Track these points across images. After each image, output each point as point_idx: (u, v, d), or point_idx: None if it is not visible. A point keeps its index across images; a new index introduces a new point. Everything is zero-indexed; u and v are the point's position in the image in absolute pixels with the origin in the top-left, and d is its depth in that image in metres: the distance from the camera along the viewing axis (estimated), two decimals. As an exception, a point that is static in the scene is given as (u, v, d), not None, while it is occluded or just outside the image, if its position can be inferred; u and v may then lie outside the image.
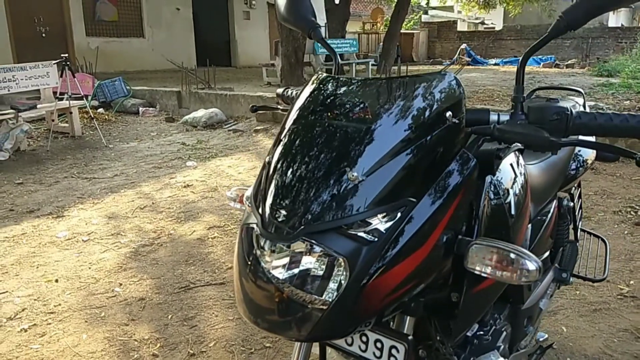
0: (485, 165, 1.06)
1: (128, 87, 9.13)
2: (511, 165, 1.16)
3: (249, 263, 0.84)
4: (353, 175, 0.80)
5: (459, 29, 21.52)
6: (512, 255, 0.84)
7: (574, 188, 1.87)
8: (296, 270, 0.80)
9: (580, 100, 1.98)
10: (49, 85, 6.86)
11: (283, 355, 2.22)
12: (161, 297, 2.74)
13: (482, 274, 0.87)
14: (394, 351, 0.95)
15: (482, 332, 1.35)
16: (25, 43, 11.63)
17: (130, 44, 13.65)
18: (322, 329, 0.80)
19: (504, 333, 1.37)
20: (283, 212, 0.83)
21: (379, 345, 0.97)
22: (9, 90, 6.29)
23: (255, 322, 0.85)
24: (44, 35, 12.21)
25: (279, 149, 0.90)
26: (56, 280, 2.96)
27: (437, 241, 0.85)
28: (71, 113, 6.91)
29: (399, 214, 0.81)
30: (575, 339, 2.29)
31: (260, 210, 0.86)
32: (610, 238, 3.26)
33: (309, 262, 0.79)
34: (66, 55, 6.61)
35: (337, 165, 0.83)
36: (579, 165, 1.84)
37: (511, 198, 1.08)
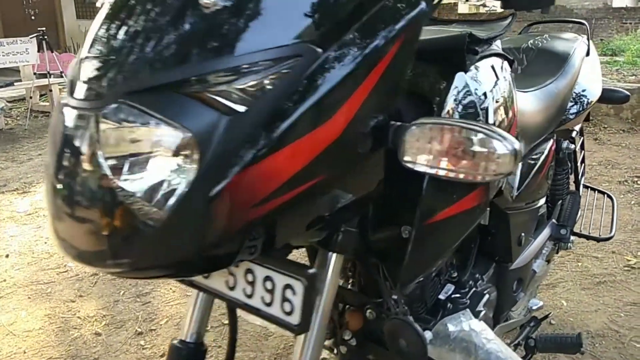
0: (453, 59, 0.78)
1: (115, 67, 8.82)
2: (493, 67, 0.88)
3: (57, 155, 0.55)
4: (208, 0, 0.51)
5: (459, 11, 21.04)
6: (475, 136, 0.55)
7: (575, 133, 1.59)
8: (122, 166, 0.50)
9: (584, 35, 1.69)
10: (28, 62, 6.55)
11: (242, 332, 1.95)
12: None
13: (428, 171, 0.58)
14: (288, 293, 0.64)
15: (458, 295, 1.07)
16: (13, 25, 11.29)
17: (122, 26, 13.28)
18: (151, 256, 0.51)
19: (486, 297, 1.09)
20: (97, 65, 0.54)
21: (268, 285, 0.67)
22: (-17, 67, 6.00)
23: (65, 249, 0.57)
24: (33, 18, 11.86)
25: None
26: (7, 256, 2.70)
27: (355, 119, 0.55)
28: (51, 91, 6.61)
29: (287, 68, 0.52)
30: (576, 313, 2.02)
31: (72, 75, 0.57)
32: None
33: (140, 145, 0.50)
34: (44, 29, 6.32)
35: None
36: (580, 108, 1.55)
37: (489, 104, 0.80)
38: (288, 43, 0.52)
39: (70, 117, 0.54)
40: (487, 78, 0.83)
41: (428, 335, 0.82)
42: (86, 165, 0.52)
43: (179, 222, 0.50)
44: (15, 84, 6.48)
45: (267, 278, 0.67)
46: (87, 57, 0.56)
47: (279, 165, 0.51)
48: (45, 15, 11.98)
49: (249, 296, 0.68)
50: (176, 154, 0.49)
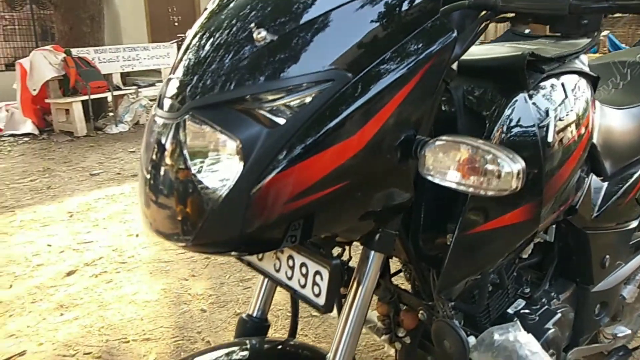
0: (514, 78, 0.82)
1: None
2: (563, 85, 0.89)
3: (147, 154, 0.70)
4: (260, 35, 0.62)
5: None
6: (486, 155, 0.61)
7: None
8: (193, 163, 0.63)
9: None
10: (169, 65, 7.35)
11: (328, 326, 2.07)
12: (225, 257, 2.73)
13: (443, 182, 0.65)
14: (317, 278, 0.75)
15: (527, 311, 1.08)
16: (159, 30, 12.66)
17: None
18: (208, 234, 0.63)
19: (559, 316, 1.08)
20: (176, 85, 0.68)
21: (303, 270, 0.78)
22: (132, 69, 6.90)
23: (149, 226, 0.71)
24: (176, 24, 13.18)
25: (197, 21, 0.76)
26: (137, 235, 3.10)
27: (378, 134, 0.64)
28: (186, 91, 7.32)
29: (320, 90, 0.61)
30: (689, 351, 1.83)
31: (160, 92, 0.72)
32: None
33: (203, 149, 0.63)
34: (183, 35, 7.00)
35: (243, 24, 0.66)
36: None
37: (550, 122, 0.82)
38: (322, 69, 0.62)
39: (157, 125, 0.69)
40: (553, 96, 0.85)
41: (472, 340, 0.85)
42: (167, 162, 0.66)
43: (228, 210, 0.61)
44: (156, 84, 7.27)
45: (303, 264, 0.78)
46: (170, 78, 0.71)
47: (308, 170, 0.61)
48: (186, 22, 13.24)
49: (289, 278, 0.81)
50: (229, 156, 0.61)
